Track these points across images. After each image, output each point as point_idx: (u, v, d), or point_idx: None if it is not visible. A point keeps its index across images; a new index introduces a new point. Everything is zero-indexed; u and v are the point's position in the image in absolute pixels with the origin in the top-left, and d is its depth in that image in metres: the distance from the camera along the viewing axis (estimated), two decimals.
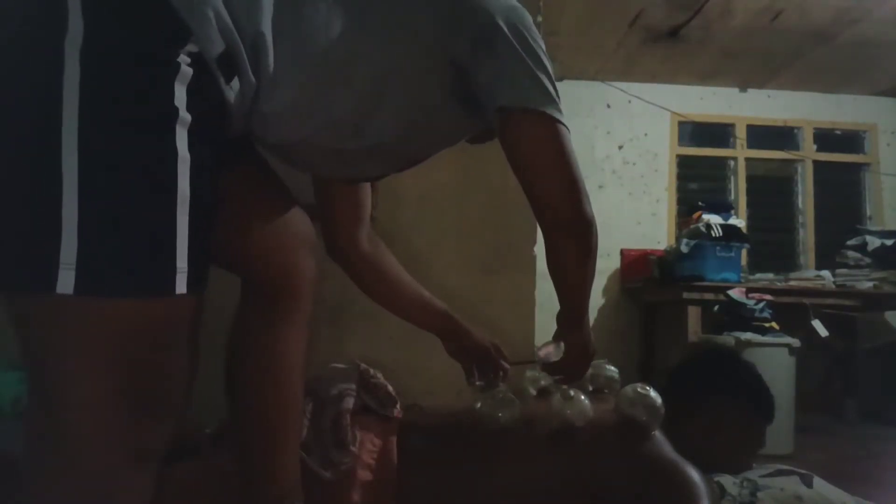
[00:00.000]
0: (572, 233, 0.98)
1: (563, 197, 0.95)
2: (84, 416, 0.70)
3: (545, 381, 1.37)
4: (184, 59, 0.71)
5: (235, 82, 0.77)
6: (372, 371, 1.36)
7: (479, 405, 1.22)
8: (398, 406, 1.32)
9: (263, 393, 1.00)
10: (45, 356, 0.72)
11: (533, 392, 1.39)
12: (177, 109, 0.70)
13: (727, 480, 1.27)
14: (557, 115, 0.91)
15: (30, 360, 0.73)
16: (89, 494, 0.71)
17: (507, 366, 1.34)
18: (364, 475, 1.16)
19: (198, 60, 0.72)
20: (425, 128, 0.97)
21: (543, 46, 0.94)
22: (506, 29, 0.89)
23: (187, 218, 0.71)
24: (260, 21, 0.78)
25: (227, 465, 1.05)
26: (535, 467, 1.15)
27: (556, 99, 0.92)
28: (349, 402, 1.23)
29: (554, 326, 1.13)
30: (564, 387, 1.19)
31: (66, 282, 0.65)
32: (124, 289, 0.69)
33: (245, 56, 0.77)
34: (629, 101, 4.47)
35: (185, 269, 0.71)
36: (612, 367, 1.42)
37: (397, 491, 1.17)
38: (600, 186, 4.45)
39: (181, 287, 0.71)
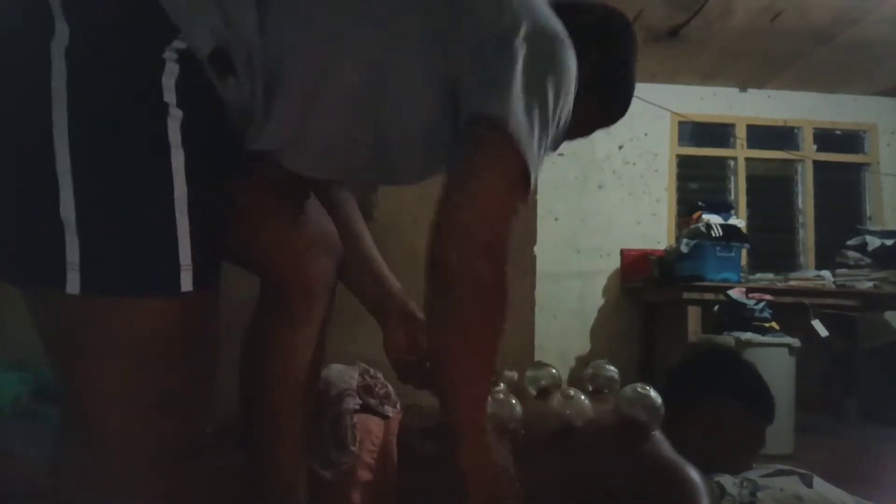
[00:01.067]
0: (465, 274, 0.78)
1: (479, 226, 0.77)
2: (101, 415, 0.71)
3: (545, 381, 1.38)
4: (170, 55, 0.70)
5: (232, 81, 0.76)
6: (372, 371, 1.37)
7: None
8: (398, 406, 1.32)
9: (273, 390, 1.02)
10: (62, 354, 0.73)
11: (533, 392, 1.39)
12: (166, 105, 0.70)
13: (727, 480, 1.27)
14: (527, 160, 0.76)
15: (49, 358, 0.74)
16: (111, 494, 0.71)
17: None
18: (364, 475, 1.16)
19: (187, 57, 0.72)
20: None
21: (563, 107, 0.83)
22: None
23: (187, 214, 0.70)
24: (253, 23, 0.76)
25: (228, 465, 1.06)
26: (534, 467, 1.15)
27: (534, 151, 0.77)
28: (349, 402, 1.23)
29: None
30: (564, 387, 1.19)
31: (73, 282, 0.66)
32: (128, 288, 0.69)
33: (242, 55, 0.75)
34: None
35: (190, 266, 0.71)
36: (612, 367, 1.42)
37: (397, 491, 1.17)
38: (600, 186, 4.45)
39: (187, 284, 0.71)
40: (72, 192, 0.66)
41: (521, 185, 0.79)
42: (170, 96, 0.70)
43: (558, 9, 0.88)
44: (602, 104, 1.04)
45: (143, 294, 0.70)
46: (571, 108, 0.86)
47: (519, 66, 0.78)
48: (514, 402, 1.21)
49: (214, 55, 0.73)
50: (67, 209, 0.66)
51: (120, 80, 0.69)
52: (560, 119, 0.83)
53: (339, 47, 0.78)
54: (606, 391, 1.37)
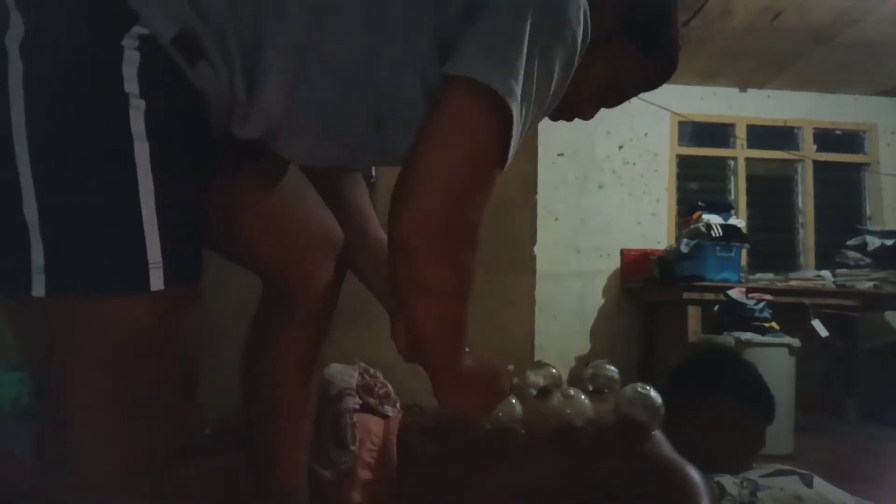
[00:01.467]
0: (416, 247, 0.68)
1: (433, 193, 0.67)
2: (77, 418, 0.69)
3: (545, 380, 1.38)
4: (130, 42, 0.67)
5: (204, 66, 0.71)
6: (372, 371, 1.37)
7: None
8: (398, 406, 1.32)
9: (274, 390, 1.02)
10: (36, 357, 0.72)
11: (533, 392, 1.39)
12: (127, 96, 0.66)
13: (727, 480, 1.27)
14: (511, 103, 0.67)
15: (26, 361, 0.74)
16: (91, 497, 0.70)
17: None
18: (364, 475, 1.16)
19: (150, 44, 0.68)
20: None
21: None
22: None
23: (154, 208, 0.67)
24: (222, 2, 0.71)
25: (228, 465, 1.05)
26: (534, 467, 1.15)
27: (519, 98, 0.67)
28: (349, 402, 1.23)
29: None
30: (564, 386, 1.20)
31: (38, 284, 0.64)
32: (94, 288, 0.66)
33: (212, 37, 0.71)
34: (629, 101, 4.47)
35: (160, 264, 0.67)
36: (612, 367, 1.42)
37: (397, 491, 1.17)
38: (600, 186, 4.45)
39: (157, 283, 0.67)
40: (33, 192, 0.64)
41: (496, 150, 0.69)
42: (131, 86, 0.66)
43: None
44: (644, 54, 0.90)
45: (109, 294, 0.67)
46: (571, 69, 0.75)
47: (506, 21, 0.69)
48: (514, 401, 1.21)
49: (178, 39, 0.69)
50: (30, 210, 0.64)
51: (76, 73, 0.66)
52: (553, 83, 0.73)
53: (322, 16, 0.74)
54: (606, 391, 1.37)
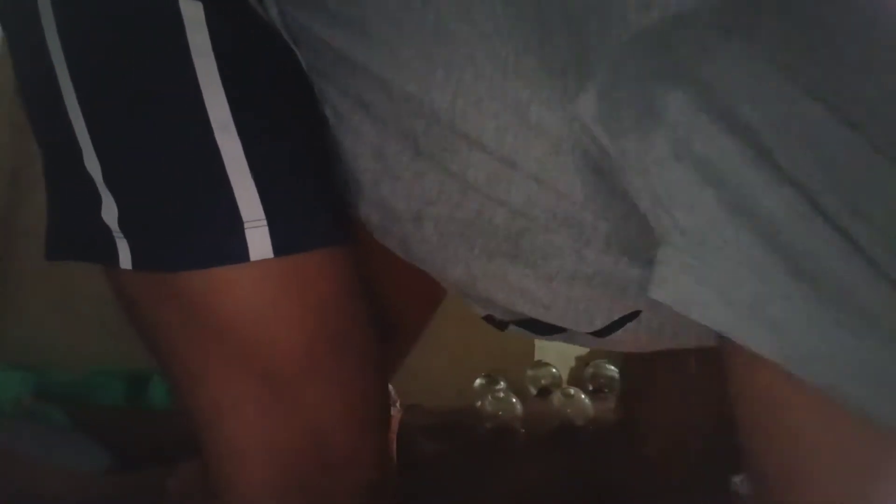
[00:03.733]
0: None
1: None
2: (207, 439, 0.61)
3: (545, 380, 1.38)
4: None
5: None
6: None
7: (479, 405, 1.22)
8: (398, 405, 1.32)
9: None
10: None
11: (533, 391, 1.39)
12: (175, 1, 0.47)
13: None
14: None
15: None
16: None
17: None
18: None
19: None
20: None
21: None
22: None
23: (238, 140, 0.48)
24: None
25: None
26: (534, 467, 1.15)
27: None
28: None
29: None
30: (565, 386, 1.20)
31: (125, 255, 0.50)
32: (178, 259, 0.49)
33: None
34: None
35: (263, 221, 0.48)
36: (613, 367, 1.42)
37: (397, 491, 1.17)
38: None
39: (260, 248, 0.48)
40: (91, 145, 0.49)
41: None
42: None
43: None
44: None
45: (193, 267, 0.49)
46: None
47: None
48: (514, 401, 1.21)
49: None
50: (93, 165, 0.49)
51: None
52: None
53: None
54: (606, 391, 1.37)
